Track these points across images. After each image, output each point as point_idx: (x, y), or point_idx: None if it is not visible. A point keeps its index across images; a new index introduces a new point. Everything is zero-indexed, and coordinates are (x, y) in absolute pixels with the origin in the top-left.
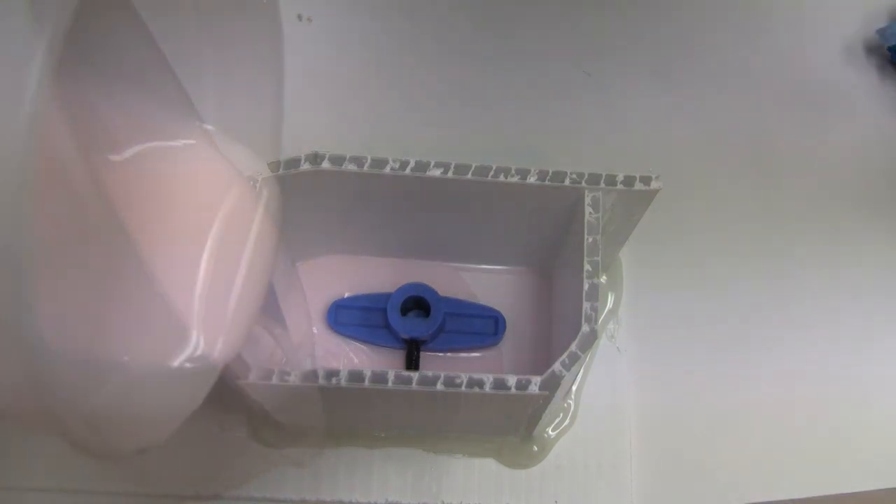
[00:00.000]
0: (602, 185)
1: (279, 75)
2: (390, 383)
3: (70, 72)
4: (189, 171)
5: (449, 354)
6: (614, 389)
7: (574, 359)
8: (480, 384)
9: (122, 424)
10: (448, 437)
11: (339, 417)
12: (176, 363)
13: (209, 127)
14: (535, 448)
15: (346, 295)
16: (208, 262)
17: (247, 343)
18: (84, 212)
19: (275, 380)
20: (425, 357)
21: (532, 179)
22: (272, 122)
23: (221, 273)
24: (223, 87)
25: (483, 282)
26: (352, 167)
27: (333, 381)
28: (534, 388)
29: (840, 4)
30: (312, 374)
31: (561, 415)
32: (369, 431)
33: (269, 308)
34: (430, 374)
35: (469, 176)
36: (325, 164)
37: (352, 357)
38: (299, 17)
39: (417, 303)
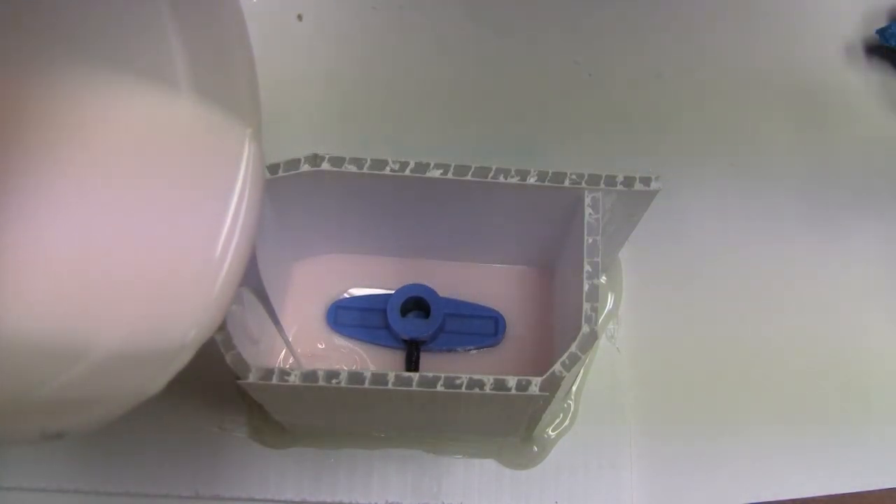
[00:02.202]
0: (602, 185)
1: (242, 26)
2: (390, 384)
3: None
4: (172, 126)
5: (449, 355)
6: (614, 389)
7: (574, 359)
8: (480, 385)
9: (54, 411)
10: (448, 438)
11: (340, 418)
12: (150, 345)
13: (185, 92)
14: (536, 448)
15: (346, 295)
16: (194, 227)
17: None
18: None
19: (275, 380)
20: (425, 357)
21: (532, 180)
22: (246, 79)
23: (208, 240)
24: (188, 47)
25: (483, 282)
26: (351, 168)
27: (334, 382)
28: (534, 389)
29: (840, 4)
30: (312, 375)
31: (561, 415)
32: (369, 432)
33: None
34: (430, 375)
35: (469, 177)
36: (325, 166)
37: (351, 358)
38: (299, 17)
39: (417, 303)
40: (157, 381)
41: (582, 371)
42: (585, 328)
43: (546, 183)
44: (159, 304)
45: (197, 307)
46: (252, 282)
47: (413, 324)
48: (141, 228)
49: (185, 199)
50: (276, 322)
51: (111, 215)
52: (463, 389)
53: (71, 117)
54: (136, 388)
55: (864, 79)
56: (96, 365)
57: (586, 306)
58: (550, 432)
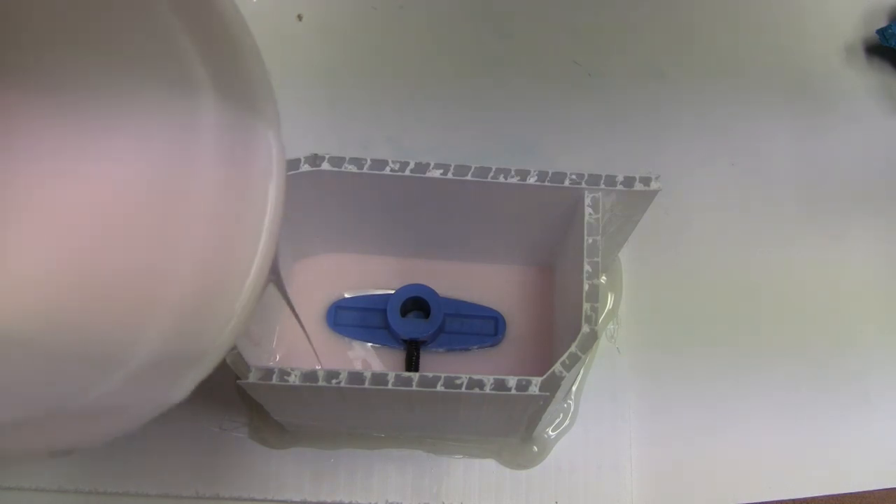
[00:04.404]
0: (602, 185)
1: (241, 20)
2: (391, 384)
3: None
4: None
5: (449, 355)
6: (614, 389)
7: (574, 360)
8: (480, 385)
9: (76, 424)
10: (448, 438)
11: (339, 418)
12: (183, 350)
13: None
14: (536, 449)
15: (346, 294)
16: (226, 231)
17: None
18: None
19: (275, 380)
20: (425, 358)
21: (532, 180)
22: (259, 73)
23: (238, 243)
24: (200, 49)
25: (483, 282)
26: (351, 168)
27: (334, 382)
28: (534, 389)
29: (840, 4)
30: (312, 375)
31: (561, 415)
32: (369, 432)
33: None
34: (430, 375)
35: (469, 177)
36: (325, 166)
37: (351, 358)
38: (299, 18)
39: (417, 303)
40: (184, 388)
41: (582, 371)
42: (585, 328)
43: (546, 183)
44: (192, 308)
45: (225, 310)
46: (273, 277)
47: (413, 324)
48: (175, 232)
49: (216, 202)
50: (294, 313)
51: (147, 220)
52: (463, 389)
53: (106, 128)
54: (162, 397)
55: (864, 79)
56: (134, 373)
57: (586, 306)
58: (550, 432)
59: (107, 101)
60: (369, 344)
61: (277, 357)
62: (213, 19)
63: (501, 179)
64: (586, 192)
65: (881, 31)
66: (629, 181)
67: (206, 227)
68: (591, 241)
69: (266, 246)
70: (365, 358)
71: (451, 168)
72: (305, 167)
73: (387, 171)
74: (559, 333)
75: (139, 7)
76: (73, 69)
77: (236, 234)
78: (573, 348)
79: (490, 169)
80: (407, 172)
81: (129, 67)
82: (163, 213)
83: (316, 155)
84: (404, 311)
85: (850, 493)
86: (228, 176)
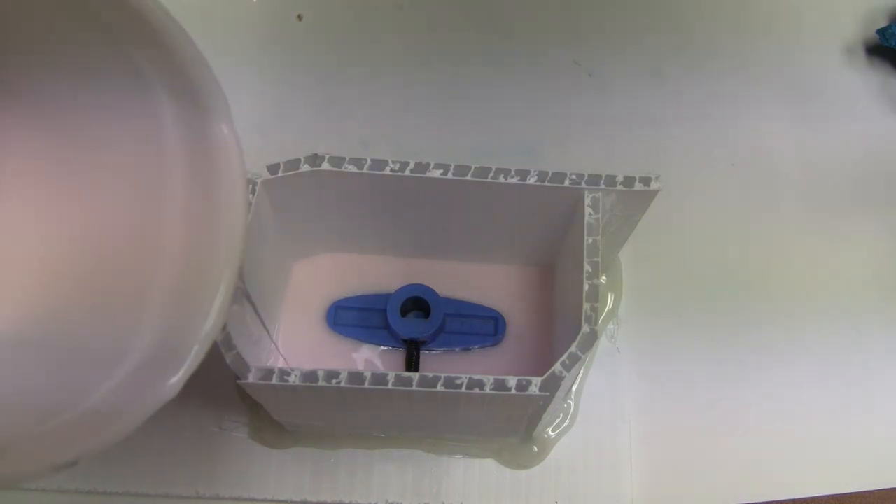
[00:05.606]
0: (602, 185)
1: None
2: (390, 384)
3: None
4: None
5: (449, 355)
6: (614, 389)
7: (574, 360)
8: (480, 385)
9: (80, 431)
10: (448, 438)
11: (340, 418)
12: (174, 343)
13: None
14: (536, 448)
15: (346, 295)
16: (200, 222)
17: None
18: None
19: (275, 380)
20: (425, 358)
21: (532, 180)
22: (198, 61)
23: (214, 233)
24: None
25: (483, 282)
26: (351, 168)
27: (334, 382)
28: (534, 389)
29: (840, 5)
30: (312, 375)
31: (561, 415)
32: (369, 432)
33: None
34: (430, 375)
35: (469, 177)
36: (325, 166)
37: (352, 358)
38: (299, 18)
39: (417, 303)
40: (177, 382)
41: (582, 371)
42: (585, 328)
43: (546, 183)
44: (178, 301)
45: (208, 301)
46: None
47: (413, 324)
48: (155, 230)
49: (188, 197)
50: (251, 304)
51: (129, 219)
52: (463, 389)
53: (83, 138)
54: (158, 393)
55: (864, 79)
56: (131, 369)
57: (586, 306)
58: (550, 432)
59: (76, 111)
60: (369, 344)
61: (279, 358)
62: (133, 16)
63: (501, 179)
64: (586, 192)
65: (881, 31)
66: (629, 181)
67: (183, 222)
68: (591, 241)
69: (240, 231)
70: (365, 358)
71: (451, 168)
72: (305, 167)
73: (387, 170)
74: (559, 333)
75: (81, 17)
76: (47, 86)
77: (211, 224)
78: (573, 348)
79: (490, 169)
80: (407, 172)
81: (90, 73)
82: (143, 212)
83: (316, 155)
84: (404, 311)
85: (850, 493)
86: (194, 169)
